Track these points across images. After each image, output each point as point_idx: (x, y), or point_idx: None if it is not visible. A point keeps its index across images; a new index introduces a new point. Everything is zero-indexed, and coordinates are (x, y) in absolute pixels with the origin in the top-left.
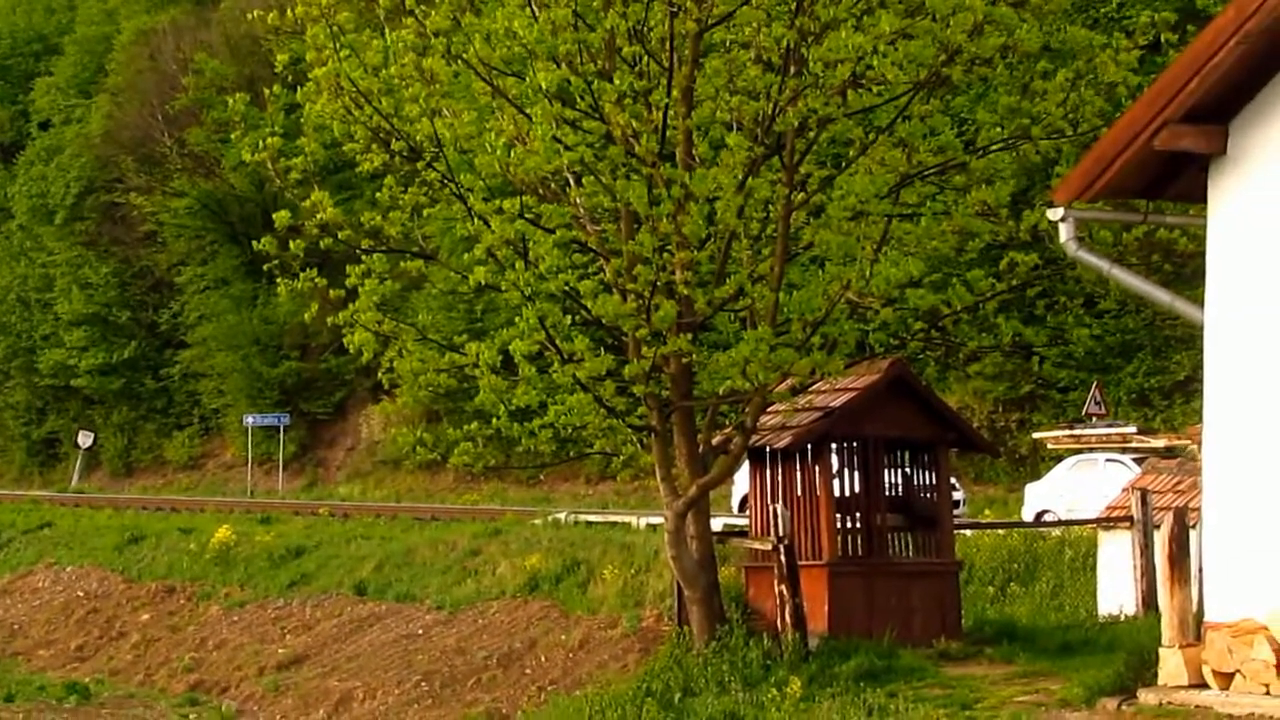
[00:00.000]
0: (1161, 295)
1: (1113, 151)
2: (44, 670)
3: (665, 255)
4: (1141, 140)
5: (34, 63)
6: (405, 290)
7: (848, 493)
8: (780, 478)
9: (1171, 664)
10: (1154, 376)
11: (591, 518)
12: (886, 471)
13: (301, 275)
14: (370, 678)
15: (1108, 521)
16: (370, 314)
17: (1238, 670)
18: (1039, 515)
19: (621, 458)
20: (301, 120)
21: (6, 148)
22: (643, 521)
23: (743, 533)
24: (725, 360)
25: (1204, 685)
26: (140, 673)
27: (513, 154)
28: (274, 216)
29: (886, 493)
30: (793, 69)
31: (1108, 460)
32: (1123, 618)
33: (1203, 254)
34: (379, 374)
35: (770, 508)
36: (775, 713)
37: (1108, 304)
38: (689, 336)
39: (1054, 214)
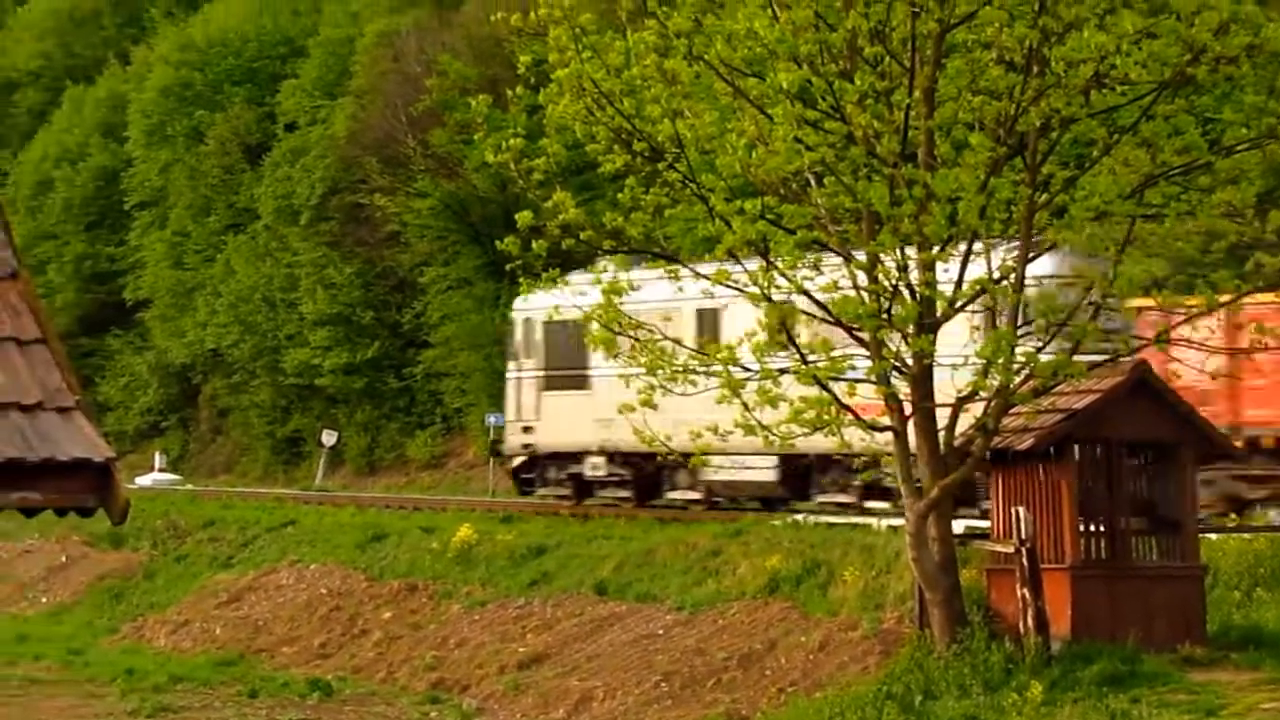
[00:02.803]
0: None
1: None
2: (287, 667)
3: (906, 255)
4: None
5: (280, 65)
6: None
7: (1090, 495)
8: (1022, 480)
9: None
10: None
11: (832, 519)
12: (1129, 474)
13: (544, 275)
14: (610, 677)
15: None
16: (610, 314)
17: None
18: None
19: (863, 459)
20: (544, 121)
21: (253, 149)
22: (884, 523)
23: (984, 535)
24: None
25: None
26: (382, 670)
27: (754, 154)
28: (516, 217)
29: (1130, 495)
30: (1035, 69)
31: None
32: None
33: None
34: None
35: (1012, 510)
36: (1016, 717)
37: None
38: (930, 337)
39: None
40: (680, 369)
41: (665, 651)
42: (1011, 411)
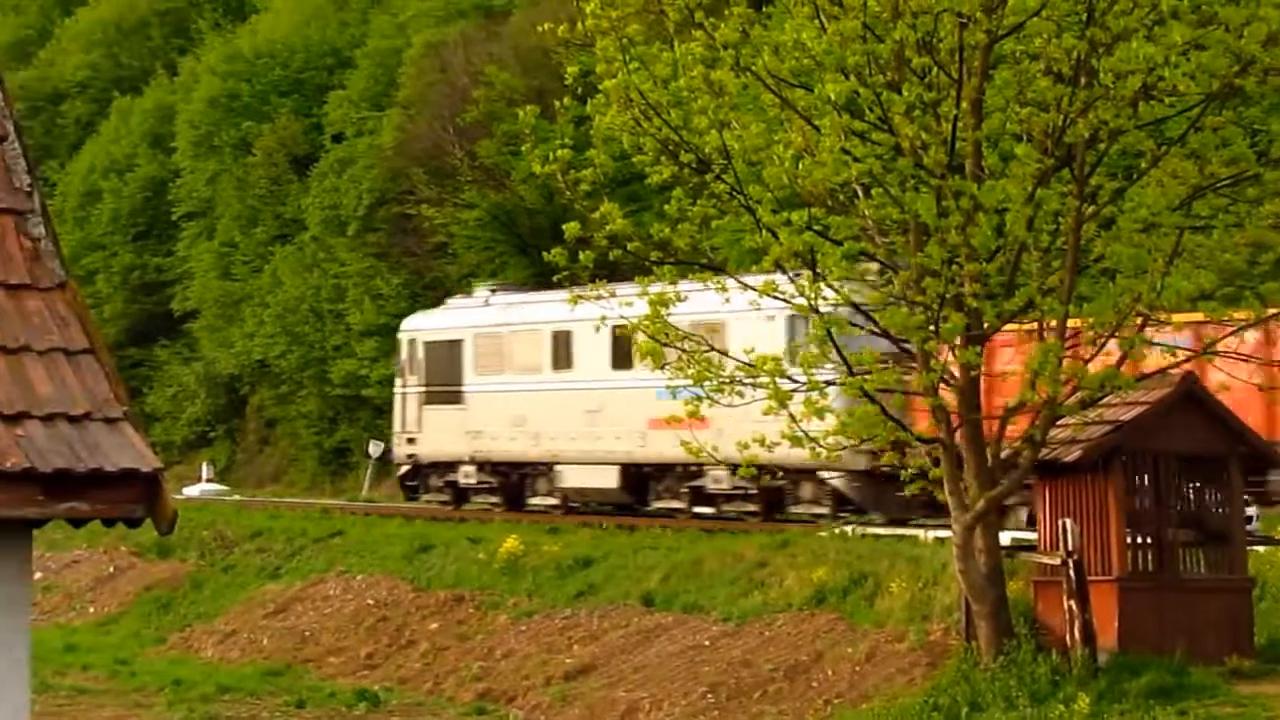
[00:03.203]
0: None
1: None
2: (334, 677)
3: (954, 267)
4: None
5: (327, 76)
6: None
7: (1138, 507)
8: (1070, 492)
9: None
10: None
11: (879, 530)
12: (1177, 486)
13: (591, 286)
14: (657, 688)
15: None
16: (657, 325)
17: None
18: None
19: (910, 471)
20: (591, 132)
21: (300, 160)
22: (930, 534)
23: (1031, 547)
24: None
25: None
26: (429, 681)
27: (801, 166)
28: (563, 228)
29: (1177, 507)
30: (1083, 80)
31: None
32: None
33: None
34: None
35: (1059, 522)
36: None
37: None
38: (977, 349)
39: None
40: (728, 380)
41: (712, 663)
42: (1059, 423)
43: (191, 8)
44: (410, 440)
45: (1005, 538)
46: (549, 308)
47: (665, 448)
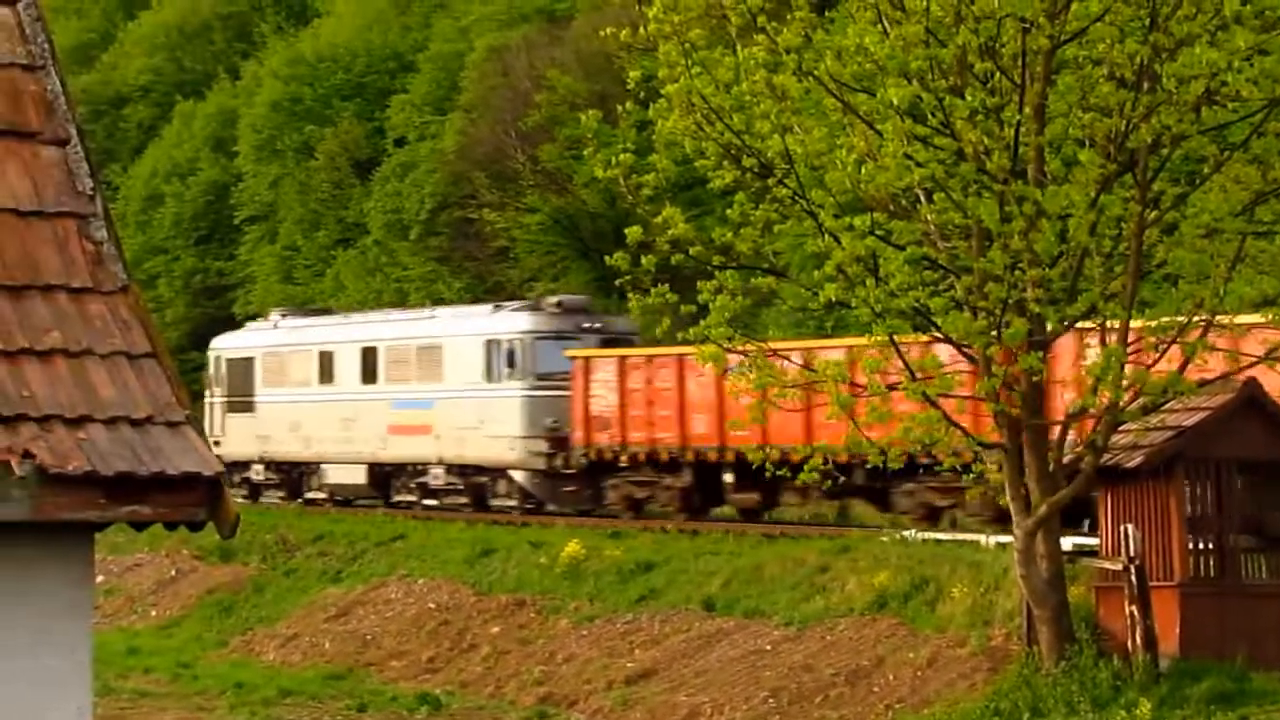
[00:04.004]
0: None
1: None
2: (396, 681)
3: (1016, 273)
4: None
5: (389, 80)
6: (755, 306)
7: (1199, 513)
8: (1131, 497)
9: None
10: None
11: (940, 535)
12: (1239, 491)
13: (653, 291)
14: (718, 693)
15: None
16: (721, 330)
17: None
18: None
19: (971, 475)
20: (653, 137)
21: (363, 164)
22: (992, 539)
23: (1093, 552)
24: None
25: None
26: (490, 685)
27: (863, 170)
28: (625, 232)
29: (1239, 513)
30: (1146, 85)
31: None
32: None
33: None
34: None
35: (1121, 527)
36: None
37: None
38: (1040, 354)
39: None
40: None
41: (773, 668)
42: (1120, 429)
43: (254, 11)
44: (216, 443)
45: (1067, 543)
46: (319, 330)
47: (401, 450)
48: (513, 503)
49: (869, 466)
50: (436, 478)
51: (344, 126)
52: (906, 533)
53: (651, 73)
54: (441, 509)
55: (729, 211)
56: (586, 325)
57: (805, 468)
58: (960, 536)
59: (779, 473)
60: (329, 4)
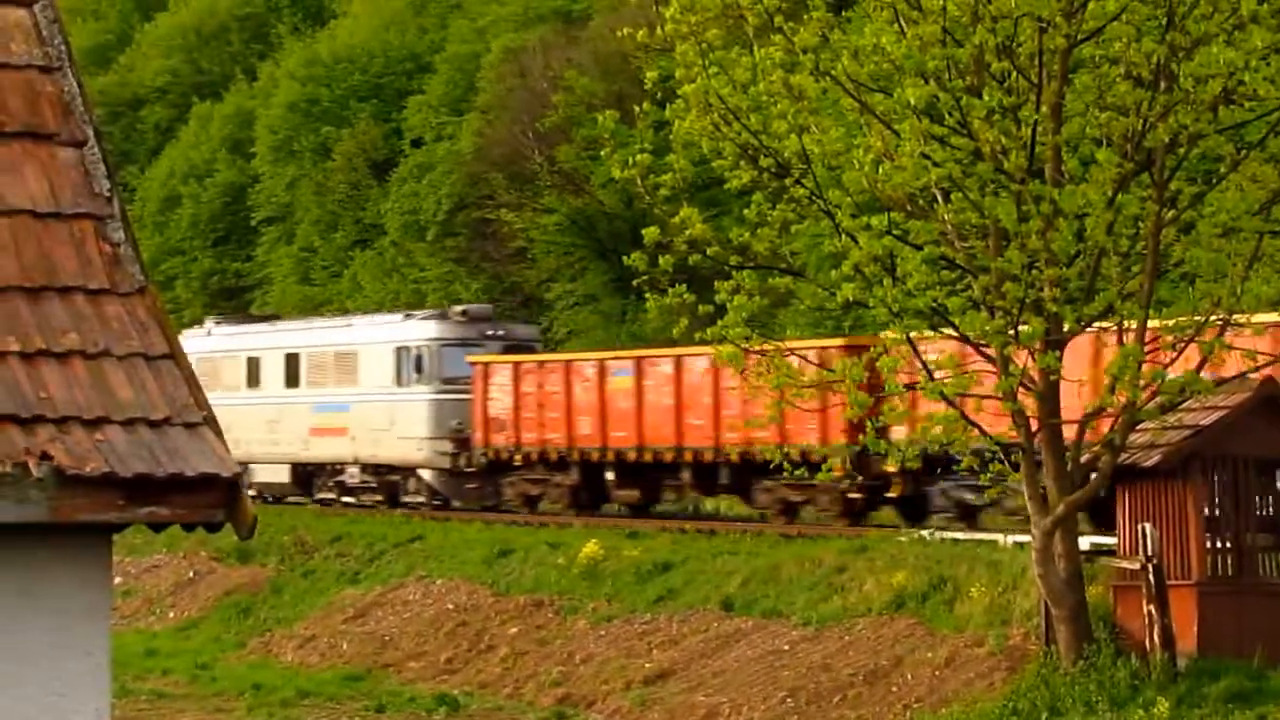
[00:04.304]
0: None
1: None
2: (414, 682)
3: (1034, 272)
4: None
5: (406, 81)
6: (773, 306)
7: (1217, 512)
8: (1149, 496)
9: None
10: None
11: (958, 535)
12: (1257, 490)
13: (670, 291)
14: (736, 693)
15: None
16: (738, 330)
17: None
18: None
19: (989, 474)
20: (670, 137)
21: (380, 165)
22: (1010, 539)
23: (1110, 551)
24: None
25: None
26: (508, 685)
27: (881, 170)
28: (643, 233)
29: (1256, 512)
30: (1163, 84)
31: None
32: None
33: None
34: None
35: (1139, 526)
36: None
37: None
38: (1057, 354)
39: None
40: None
41: (791, 668)
42: (1138, 428)
43: (271, 13)
44: None
45: (1084, 542)
46: (248, 338)
47: (321, 451)
48: (421, 499)
49: (732, 465)
50: (353, 476)
51: (361, 127)
52: (925, 532)
53: (669, 73)
54: (359, 505)
55: (746, 211)
56: (490, 333)
57: (823, 467)
58: (979, 536)
59: (797, 472)
60: (346, 5)
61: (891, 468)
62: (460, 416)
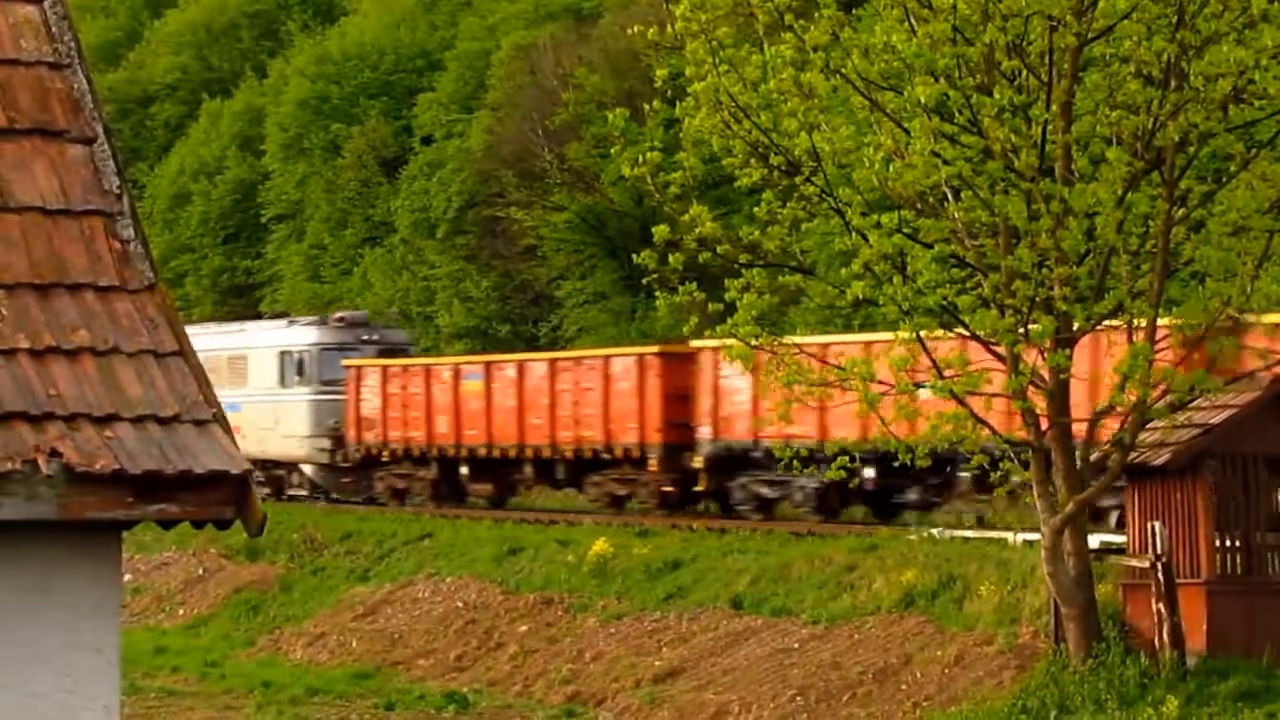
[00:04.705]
0: None
1: None
2: (423, 679)
3: (1044, 270)
4: None
5: (416, 79)
6: (783, 304)
7: (1226, 510)
8: (1159, 495)
9: None
10: None
11: (967, 533)
12: (1266, 488)
13: (680, 289)
14: (745, 691)
15: None
16: (748, 328)
17: None
18: None
19: (998, 473)
20: (680, 135)
21: (390, 163)
22: (1019, 537)
23: (1120, 550)
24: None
25: None
26: (518, 683)
27: (891, 168)
28: (653, 231)
29: (1266, 511)
30: (1173, 83)
31: None
32: None
33: None
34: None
35: (1148, 525)
36: None
37: None
38: (1067, 352)
39: None
40: (819, 383)
41: (801, 666)
42: (1148, 426)
43: (281, 10)
44: None
45: (1094, 541)
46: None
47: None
48: (304, 492)
49: (567, 461)
50: None
51: (371, 125)
52: (934, 531)
53: (679, 71)
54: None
55: (756, 209)
56: (365, 338)
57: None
58: (988, 534)
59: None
60: (356, 2)
61: (697, 464)
62: (337, 416)
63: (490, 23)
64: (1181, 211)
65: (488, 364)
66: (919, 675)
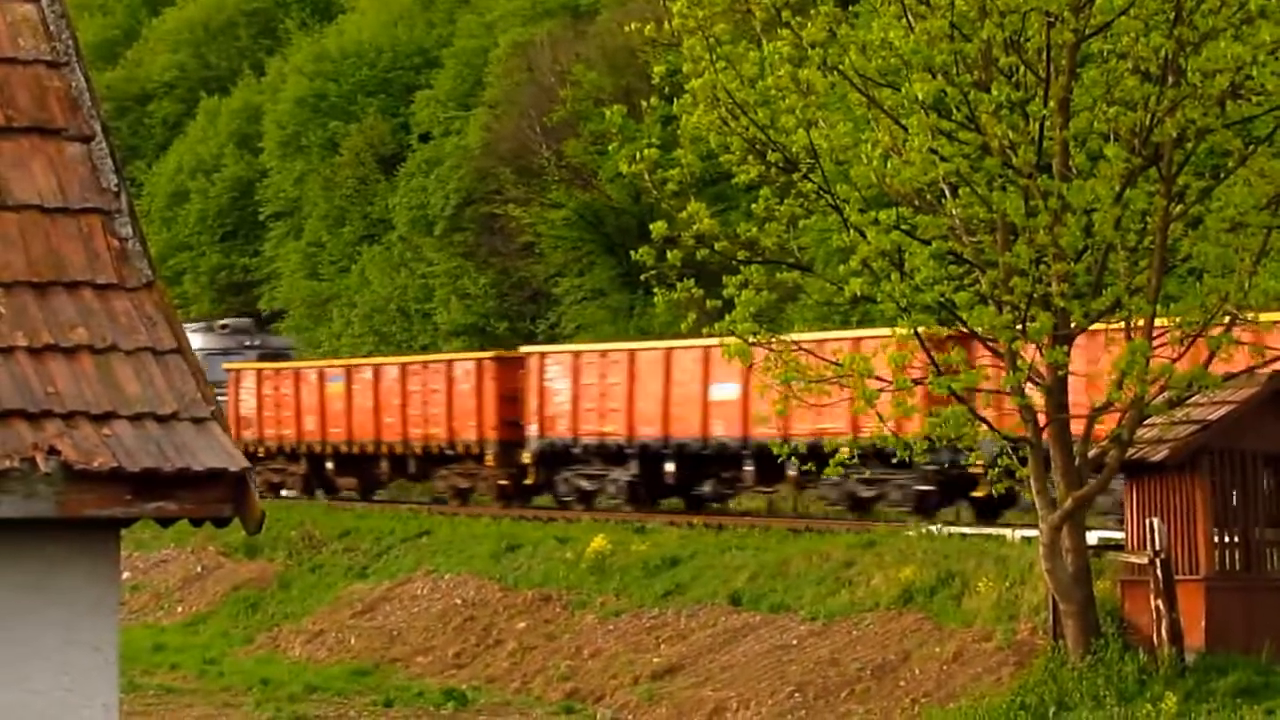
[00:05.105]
0: None
1: None
2: (422, 676)
3: (1042, 267)
4: None
5: (414, 76)
6: (781, 301)
7: (1225, 506)
8: (1157, 491)
9: None
10: None
11: (966, 530)
12: (1265, 485)
13: (678, 286)
14: (744, 688)
15: None
16: (746, 325)
17: None
18: None
19: (997, 470)
20: (678, 132)
21: (387, 160)
22: (1018, 534)
23: (1119, 546)
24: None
25: None
26: (516, 680)
27: (889, 165)
28: (650, 227)
29: (1264, 507)
30: (1171, 79)
31: None
32: None
33: None
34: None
35: (1147, 521)
36: None
37: None
38: (1065, 349)
39: None
40: (816, 379)
41: (799, 662)
42: (1146, 423)
43: (279, 8)
44: None
45: (1092, 537)
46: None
47: None
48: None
49: (417, 456)
50: None
51: (369, 122)
52: (933, 527)
53: (676, 67)
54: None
55: (754, 206)
56: (248, 343)
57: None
58: (987, 530)
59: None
60: (353, 0)
61: (526, 459)
62: None
63: (488, 20)
64: (1179, 207)
65: (348, 367)
66: (917, 672)
